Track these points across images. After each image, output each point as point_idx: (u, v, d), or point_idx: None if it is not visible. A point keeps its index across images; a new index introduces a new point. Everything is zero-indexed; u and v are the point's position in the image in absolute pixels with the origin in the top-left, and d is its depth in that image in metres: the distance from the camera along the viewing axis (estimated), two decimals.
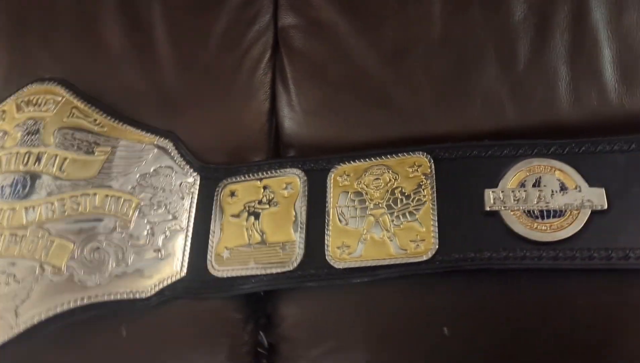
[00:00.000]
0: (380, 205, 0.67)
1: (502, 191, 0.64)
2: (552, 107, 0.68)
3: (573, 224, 0.61)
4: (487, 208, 0.63)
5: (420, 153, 0.68)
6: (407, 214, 0.66)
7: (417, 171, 0.68)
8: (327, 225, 0.68)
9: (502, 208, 0.63)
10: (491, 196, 0.64)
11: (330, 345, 0.66)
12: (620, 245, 0.59)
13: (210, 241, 0.70)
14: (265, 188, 0.72)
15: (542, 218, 0.62)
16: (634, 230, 0.60)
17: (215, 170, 0.75)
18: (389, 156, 0.69)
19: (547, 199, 0.62)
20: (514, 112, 0.69)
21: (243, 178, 0.73)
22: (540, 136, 0.66)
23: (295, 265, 0.66)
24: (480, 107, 0.70)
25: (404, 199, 0.67)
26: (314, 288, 0.67)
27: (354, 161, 0.71)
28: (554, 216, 0.61)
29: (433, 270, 0.62)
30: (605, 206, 0.61)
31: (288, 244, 0.68)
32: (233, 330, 0.69)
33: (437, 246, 0.63)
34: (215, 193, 0.73)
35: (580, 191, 0.62)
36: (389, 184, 0.68)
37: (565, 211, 0.61)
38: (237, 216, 0.71)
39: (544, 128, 0.68)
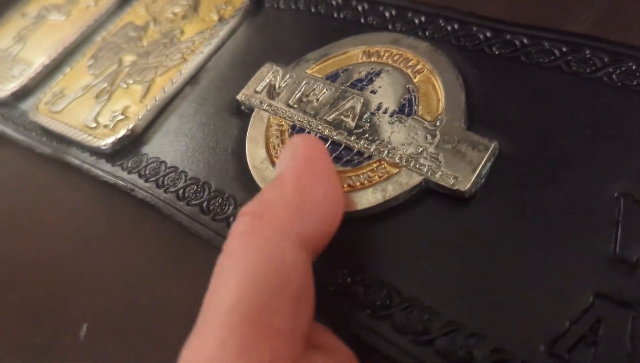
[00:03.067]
0: (138, 50, 0.36)
1: (289, 77, 0.28)
2: None
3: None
4: (239, 97, 0.28)
5: None
6: (148, 71, 0.34)
7: (222, 8, 0.35)
8: (76, 55, 0.40)
9: (265, 107, 0.27)
10: (265, 80, 0.28)
11: None
12: None
13: None
14: None
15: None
16: None
17: None
18: None
19: (354, 122, 0.25)
20: None
21: None
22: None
23: (7, 93, 0.41)
24: None
25: (164, 49, 0.35)
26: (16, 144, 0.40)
27: None
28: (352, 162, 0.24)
29: (99, 175, 0.31)
30: (466, 188, 0.21)
31: (27, 66, 0.42)
32: None
33: (125, 132, 0.30)
34: None
35: (436, 124, 0.23)
36: (174, 23, 0.36)
37: (372, 157, 0.23)
38: (25, 15, 0.48)
39: None
